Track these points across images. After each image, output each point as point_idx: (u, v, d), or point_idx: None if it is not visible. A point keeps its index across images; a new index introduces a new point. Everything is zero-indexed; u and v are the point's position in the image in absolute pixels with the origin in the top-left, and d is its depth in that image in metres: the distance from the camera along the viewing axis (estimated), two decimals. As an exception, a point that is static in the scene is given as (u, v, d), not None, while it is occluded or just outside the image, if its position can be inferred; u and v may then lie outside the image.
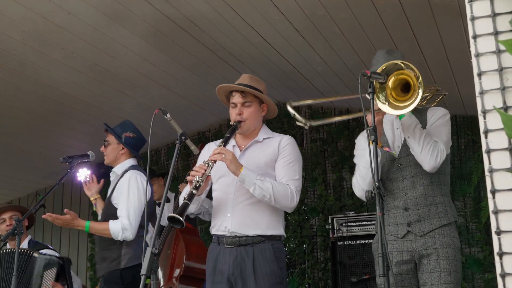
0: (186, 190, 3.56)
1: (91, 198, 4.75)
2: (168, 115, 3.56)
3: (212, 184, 3.80)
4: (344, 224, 6.61)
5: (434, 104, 3.70)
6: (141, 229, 4.29)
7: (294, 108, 3.50)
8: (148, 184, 4.43)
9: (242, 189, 3.58)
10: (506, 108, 2.35)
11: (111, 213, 4.34)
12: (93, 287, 8.13)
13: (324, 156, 7.61)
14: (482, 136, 2.39)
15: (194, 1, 4.62)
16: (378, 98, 3.16)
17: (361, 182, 3.52)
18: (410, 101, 3.11)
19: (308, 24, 4.94)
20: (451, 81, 5.83)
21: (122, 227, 4.20)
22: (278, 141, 3.74)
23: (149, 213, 4.57)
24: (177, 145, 3.44)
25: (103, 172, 6.60)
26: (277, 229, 3.65)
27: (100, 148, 4.60)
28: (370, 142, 2.82)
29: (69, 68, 5.58)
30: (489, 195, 2.36)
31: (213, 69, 5.97)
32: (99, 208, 4.67)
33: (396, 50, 3.72)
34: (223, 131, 7.97)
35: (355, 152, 3.70)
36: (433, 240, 3.35)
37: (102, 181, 4.76)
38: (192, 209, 3.72)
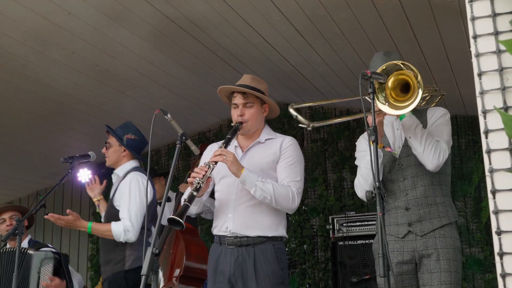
0: (187, 191, 3.56)
1: (94, 199, 4.74)
2: (169, 116, 3.56)
3: (214, 184, 3.81)
4: (344, 224, 6.60)
5: (434, 104, 3.71)
6: (144, 230, 4.29)
7: (296, 110, 3.50)
8: (150, 185, 4.43)
9: (244, 190, 3.58)
10: (506, 108, 2.35)
11: (113, 215, 4.33)
12: (93, 287, 8.14)
13: (325, 156, 7.61)
14: (483, 136, 2.39)
15: (194, 2, 4.62)
16: (378, 98, 3.16)
17: (363, 183, 3.52)
18: (410, 101, 3.12)
19: (308, 25, 4.94)
20: (452, 81, 5.82)
21: (124, 229, 4.19)
22: (280, 142, 3.73)
23: (152, 215, 4.55)
24: (177, 145, 3.43)
25: (103, 172, 6.60)
26: (279, 230, 3.65)
27: (102, 149, 4.59)
28: (371, 142, 2.82)
29: (69, 68, 5.59)
30: (490, 195, 2.35)
31: (214, 69, 5.97)
32: (102, 209, 4.66)
33: (393, 52, 3.72)
34: (224, 131, 7.98)
35: (356, 154, 3.71)
36: (433, 241, 3.36)
37: (104, 182, 4.76)
38: (193, 210, 3.73)
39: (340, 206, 7.30)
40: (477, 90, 2.42)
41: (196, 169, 3.45)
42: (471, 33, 2.47)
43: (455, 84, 5.90)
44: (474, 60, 2.45)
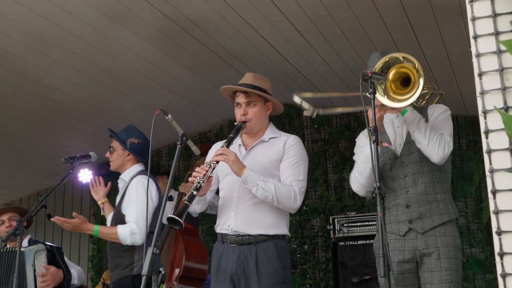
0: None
1: (99, 202, 4.67)
2: (169, 116, 3.55)
3: (219, 182, 3.81)
4: (345, 225, 6.60)
5: (433, 104, 3.70)
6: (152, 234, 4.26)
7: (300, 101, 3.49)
8: (156, 189, 4.40)
9: (246, 188, 3.57)
10: (506, 108, 2.35)
11: (120, 220, 4.29)
12: (94, 287, 8.14)
13: (325, 157, 7.61)
14: (483, 136, 2.39)
15: (194, 1, 4.62)
16: (377, 90, 3.16)
17: (359, 177, 3.53)
18: (411, 94, 3.12)
19: (309, 25, 4.94)
20: (452, 81, 5.82)
21: (130, 231, 4.15)
22: (284, 141, 3.72)
23: (157, 217, 4.52)
24: (178, 145, 3.43)
25: (104, 172, 6.61)
26: (281, 228, 3.64)
27: (106, 154, 4.55)
28: (371, 142, 2.82)
29: (69, 68, 5.58)
30: (490, 195, 2.35)
31: (214, 69, 5.97)
32: (106, 212, 4.61)
33: (390, 51, 3.71)
34: (224, 131, 7.98)
35: (355, 150, 3.71)
36: (434, 239, 3.36)
37: (109, 183, 4.72)
38: (197, 208, 3.75)
39: (340, 206, 7.30)
40: (478, 90, 2.42)
41: (197, 169, 3.45)
42: (471, 33, 2.47)
43: (456, 84, 5.90)
44: (474, 60, 2.45)
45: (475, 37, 2.46)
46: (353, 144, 3.74)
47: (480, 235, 6.67)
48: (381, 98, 3.18)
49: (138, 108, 6.62)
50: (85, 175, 6.68)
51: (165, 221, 3.32)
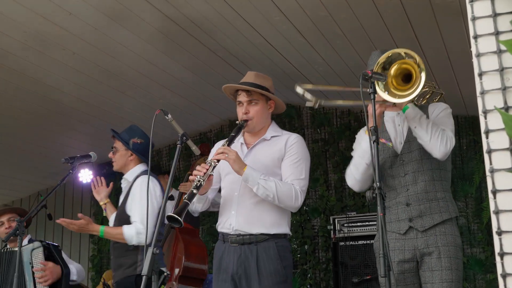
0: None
1: (101, 203, 4.65)
2: (169, 116, 3.55)
3: (221, 181, 3.81)
4: (345, 225, 6.60)
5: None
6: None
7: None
8: (160, 188, 4.40)
9: (247, 187, 3.56)
10: (507, 108, 2.35)
11: (124, 221, 4.28)
12: (95, 287, 8.15)
13: (326, 157, 7.61)
14: (483, 136, 2.39)
15: (194, 1, 4.62)
16: (378, 86, 3.16)
17: (354, 172, 3.54)
18: (413, 89, 3.12)
19: (309, 25, 4.93)
20: (453, 81, 5.82)
21: (136, 231, 4.14)
22: (286, 139, 3.73)
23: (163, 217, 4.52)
24: (178, 145, 3.43)
25: (105, 172, 6.60)
26: (282, 227, 3.63)
27: (109, 154, 4.55)
28: (372, 142, 2.82)
29: (69, 68, 5.58)
30: (490, 195, 2.35)
31: (214, 69, 5.97)
32: (109, 213, 4.59)
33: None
34: (225, 131, 7.98)
35: (354, 145, 3.71)
36: (434, 238, 3.36)
37: (111, 184, 4.72)
38: (198, 207, 3.74)
39: (341, 206, 7.30)
40: (478, 90, 2.41)
41: (198, 167, 3.45)
42: (471, 33, 2.47)
43: (456, 84, 5.89)
44: (474, 60, 2.45)
45: (475, 37, 2.45)
46: (353, 144, 3.74)
47: (481, 235, 6.67)
48: (382, 94, 3.18)
49: (138, 108, 6.62)
50: (85, 175, 6.68)
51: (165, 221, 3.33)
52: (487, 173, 2.37)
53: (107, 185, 4.68)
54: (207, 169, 3.41)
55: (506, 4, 2.42)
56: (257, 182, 3.48)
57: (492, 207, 2.34)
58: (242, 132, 3.72)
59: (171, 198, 5.95)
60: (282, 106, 3.85)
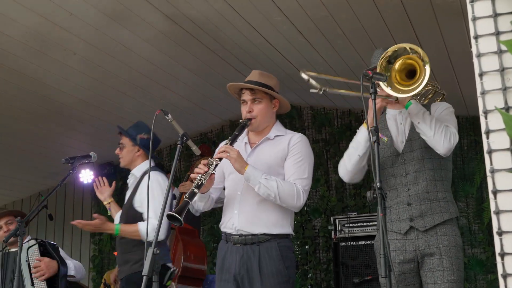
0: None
1: (105, 202, 4.67)
2: (170, 116, 3.55)
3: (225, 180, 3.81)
4: (346, 225, 6.59)
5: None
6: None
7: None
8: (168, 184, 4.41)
9: (250, 187, 3.55)
10: (507, 108, 2.35)
11: (132, 216, 4.29)
12: (95, 288, 8.15)
13: (327, 157, 7.61)
14: (484, 136, 2.39)
15: (195, 2, 4.62)
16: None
17: (347, 161, 3.55)
18: (417, 84, 3.11)
19: (310, 25, 4.93)
20: (453, 82, 5.82)
21: (152, 228, 4.15)
22: (289, 138, 3.70)
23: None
24: (178, 146, 3.43)
25: (106, 172, 6.61)
26: (285, 227, 3.63)
27: (115, 151, 4.56)
28: (372, 143, 2.81)
29: (69, 68, 5.58)
30: (491, 196, 2.35)
31: (214, 69, 5.97)
32: (113, 212, 4.61)
33: None
34: (226, 132, 7.98)
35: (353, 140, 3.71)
36: (435, 239, 3.36)
37: (113, 183, 4.72)
38: (200, 206, 3.73)
39: (342, 206, 7.30)
40: (478, 90, 2.41)
41: (199, 166, 3.45)
42: (472, 33, 2.47)
43: (457, 85, 5.89)
44: (475, 60, 2.45)
45: (476, 37, 2.45)
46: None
47: (482, 235, 6.66)
48: (385, 88, 3.18)
49: (138, 108, 6.62)
50: (86, 176, 6.68)
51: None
52: (488, 173, 2.37)
53: (109, 185, 4.69)
54: (208, 168, 3.41)
55: (506, 4, 2.41)
56: (258, 181, 3.47)
57: (492, 208, 2.33)
58: (246, 131, 3.73)
59: (174, 197, 5.96)
60: (287, 106, 3.83)
